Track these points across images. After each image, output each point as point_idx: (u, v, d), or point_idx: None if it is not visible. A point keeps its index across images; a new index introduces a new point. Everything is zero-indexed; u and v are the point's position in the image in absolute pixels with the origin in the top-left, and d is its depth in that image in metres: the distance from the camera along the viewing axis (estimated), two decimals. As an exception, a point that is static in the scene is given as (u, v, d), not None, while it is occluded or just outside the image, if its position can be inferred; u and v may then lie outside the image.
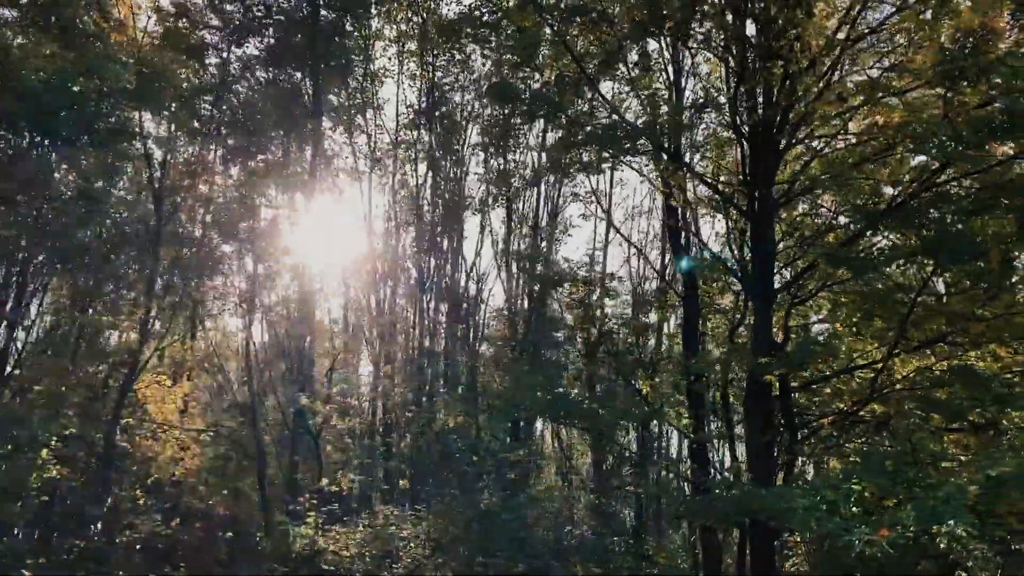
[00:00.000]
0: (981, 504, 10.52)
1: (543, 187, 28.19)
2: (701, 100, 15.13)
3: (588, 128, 14.01)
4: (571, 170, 20.29)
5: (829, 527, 10.67)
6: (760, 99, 14.26)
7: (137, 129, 22.18)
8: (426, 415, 17.10)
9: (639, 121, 16.48)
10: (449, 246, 29.53)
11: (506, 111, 21.08)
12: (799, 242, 15.46)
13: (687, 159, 18.30)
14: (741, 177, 15.72)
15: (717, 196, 17.98)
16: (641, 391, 17.34)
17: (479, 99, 26.54)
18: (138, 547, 15.90)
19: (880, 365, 14.92)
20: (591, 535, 15.15)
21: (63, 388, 22.47)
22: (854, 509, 11.70)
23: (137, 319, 23.18)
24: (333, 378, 20.37)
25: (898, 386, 15.18)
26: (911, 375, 14.63)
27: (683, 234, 18.83)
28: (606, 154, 15.01)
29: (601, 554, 13.86)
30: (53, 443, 21.80)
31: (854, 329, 16.61)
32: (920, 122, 11.91)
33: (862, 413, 15.84)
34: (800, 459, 17.20)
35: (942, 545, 9.65)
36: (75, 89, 13.43)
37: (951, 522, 9.58)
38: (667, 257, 24.21)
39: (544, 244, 28.25)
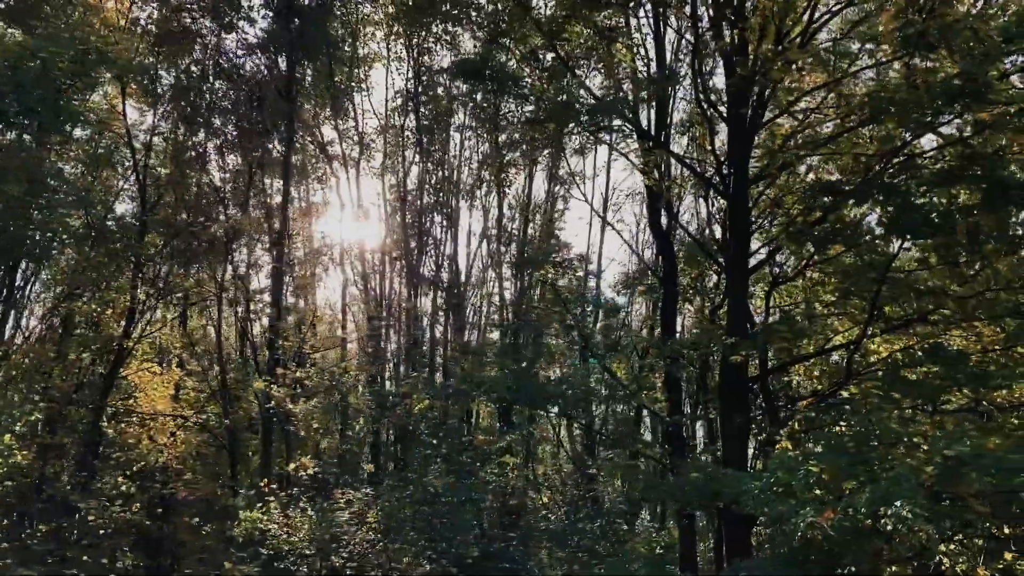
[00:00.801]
0: (939, 485, 10.19)
1: (536, 171, 27.91)
2: (665, 74, 14.69)
3: (550, 104, 13.63)
4: (539, 148, 19.94)
5: (779, 509, 10.39)
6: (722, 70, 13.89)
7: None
8: (395, 398, 16.90)
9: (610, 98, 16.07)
10: (444, 231, 29.36)
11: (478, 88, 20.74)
12: (770, 220, 15.07)
13: (663, 138, 18.01)
14: (711, 155, 15.37)
15: (692, 174, 17.67)
16: (614, 372, 17.03)
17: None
18: (106, 532, 15.79)
19: (854, 345, 14.60)
20: (566, 519, 14.92)
21: (47, 374, 22.64)
22: (817, 491, 11.42)
23: (124, 307, 23.17)
24: (305, 361, 20.15)
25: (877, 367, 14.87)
26: (886, 355, 14.24)
27: (662, 215, 18.46)
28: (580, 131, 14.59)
29: (569, 537, 13.59)
30: (40, 431, 22.11)
31: (831, 309, 16.22)
32: (885, 91, 11.49)
33: (844, 394, 15.52)
34: (780, 441, 16.86)
35: (888, 527, 9.23)
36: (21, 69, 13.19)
37: (897, 503, 9.25)
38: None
39: (537, 228, 28.00)
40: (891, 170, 12.00)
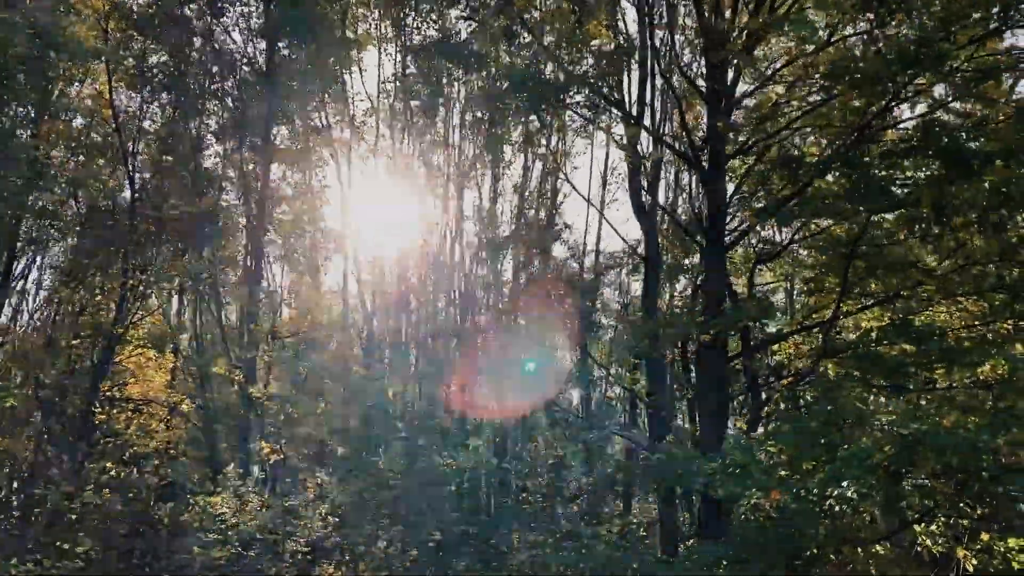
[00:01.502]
0: (896, 465, 9.94)
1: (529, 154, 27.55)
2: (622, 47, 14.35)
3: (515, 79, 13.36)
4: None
5: (732, 490, 10.19)
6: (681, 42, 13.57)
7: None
8: (367, 381, 16.78)
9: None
10: (444, 213, 29.18)
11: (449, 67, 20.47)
12: (749, 196, 14.75)
13: (642, 115, 17.70)
14: (682, 129, 15.05)
15: (670, 151, 17.33)
16: (591, 353, 16.82)
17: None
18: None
19: (828, 322, 14.29)
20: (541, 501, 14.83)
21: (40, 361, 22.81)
22: (783, 472, 11.19)
23: (115, 292, 23.25)
24: (285, 345, 20.06)
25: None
26: (859, 333, 13.93)
27: (643, 194, 18.17)
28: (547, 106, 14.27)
29: (541, 520, 13.47)
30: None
31: (811, 286, 15.89)
32: (846, 60, 11.16)
33: (831, 372, 15.23)
34: (763, 420, 16.61)
35: (836, 507, 9.02)
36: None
37: (844, 484, 9.03)
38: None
39: (533, 210, 27.76)
40: (851, 143, 11.65)
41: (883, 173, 11.09)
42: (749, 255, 17.62)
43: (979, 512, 11.01)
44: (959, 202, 11.10)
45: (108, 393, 23.44)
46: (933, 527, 13.20)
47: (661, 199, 22.62)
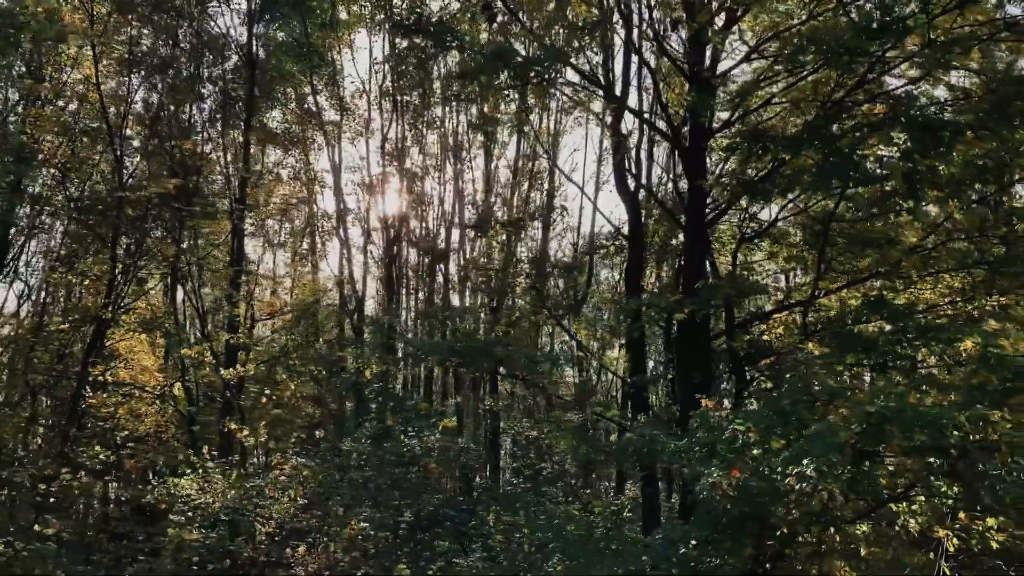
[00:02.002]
0: (862, 444, 9.78)
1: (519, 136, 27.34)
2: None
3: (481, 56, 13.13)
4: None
5: (696, 468, 10.08)
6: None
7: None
8: (337, 363, 16.73)
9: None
10: (436, 192, 29.10)
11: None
12: (719, 177, 14.57)
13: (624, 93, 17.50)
14: (656, 106, 14.85)
15: (651, 129, 17.13)
16: (574, 334, 16.69)
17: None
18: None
19: (808, 301, 14.13)
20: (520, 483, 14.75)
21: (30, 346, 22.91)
22: (756, 451, 11.05)
23: (104, 276, 23.28)
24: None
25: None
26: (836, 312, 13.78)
27: (625, 173, 17.99)
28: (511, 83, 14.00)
29: (513, 502, 13.39)
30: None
31: (790, 264, 15.75)
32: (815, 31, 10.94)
33: (815, 352, 15.07)
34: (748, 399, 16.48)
35: (796, 486, 8.87)
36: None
37: (804, 462, 8.89)
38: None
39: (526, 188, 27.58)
40: (824, 116, 11.44)
41: (855, 147, 10.87)
42: (735, 233, 17.45)
43: (952, 490, 10.86)
44: (931, 176, 10.89)
45: (100, 377, 23.53)
46: (915, 507, 13.14)
47: (655, 178, 22.52)
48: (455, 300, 26.25)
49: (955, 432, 9.02)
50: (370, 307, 27.95)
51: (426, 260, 27.73)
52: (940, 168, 11.13)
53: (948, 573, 13.86)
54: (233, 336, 19.05)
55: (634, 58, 16.74)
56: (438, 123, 28.62)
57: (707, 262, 17.18)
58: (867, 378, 15.33)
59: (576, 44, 13.63)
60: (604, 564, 11.44)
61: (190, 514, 12.39)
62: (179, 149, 21.41)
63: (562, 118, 27.56)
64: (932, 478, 10.92)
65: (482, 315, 22.55)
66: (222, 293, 21.46)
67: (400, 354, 16.23)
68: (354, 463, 12.86)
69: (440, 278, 27.86)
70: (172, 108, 22.64)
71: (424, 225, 28.54)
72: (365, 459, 12.83)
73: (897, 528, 13.51)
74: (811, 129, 11.34)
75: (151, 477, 15.02)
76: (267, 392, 17.64)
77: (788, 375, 12.42)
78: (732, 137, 14.14)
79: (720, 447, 10.42)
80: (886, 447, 10.16)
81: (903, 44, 10.17)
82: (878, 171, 11.02)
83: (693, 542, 11.13)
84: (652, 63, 15.74)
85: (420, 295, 28.25)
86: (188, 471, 13.51)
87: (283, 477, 12.99)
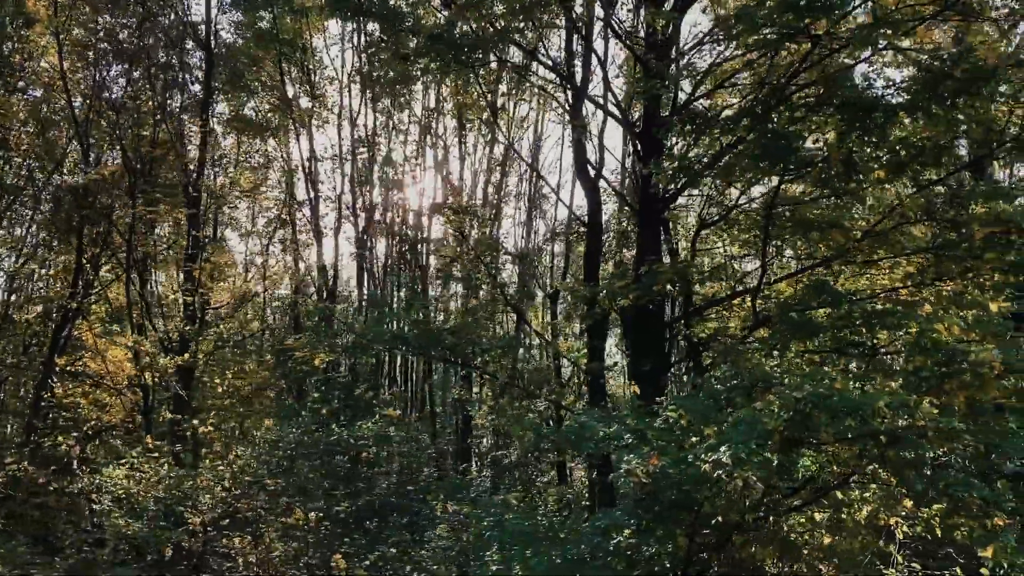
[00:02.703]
0: (790, 431, 9.62)
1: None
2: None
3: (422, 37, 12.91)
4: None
5: (623, 456, 9.92)
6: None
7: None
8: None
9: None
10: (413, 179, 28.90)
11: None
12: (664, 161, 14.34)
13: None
14: (606, 90, 14.66)
15: (606, 114, 16.92)
16: (529, 321, 16.53)
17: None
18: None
19: (756, 288, 13.95)
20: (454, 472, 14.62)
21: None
22: (694, 439, 10.90)
23: (71, 268, 23.09)
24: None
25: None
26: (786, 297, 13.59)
27: (585, 159, 17.79)
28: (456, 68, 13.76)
29: (455, 490, 13.26)
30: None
31: (745, 250, 15.57)
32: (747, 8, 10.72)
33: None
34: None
35: (713, 474, 8.72)
36: None
37: (722, 449, 8.73)
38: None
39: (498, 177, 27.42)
40: (761, 98, 11.24)
41: (791, 129, 10.67)
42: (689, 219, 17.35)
43: (886, 478, 10.73)
44: (868, 158, 10.70)
45: (68, 369, 23.39)
46: (868, 495, 13.02)
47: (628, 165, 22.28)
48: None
49: (878, 419, 8.88)
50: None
51: (403, 248, 27.60)
52: (879, 151, 10.95)
53: (901, 560, 13.77)
54: (175, 326, 18.92)
55: (601, 44, 16.53)
56: (414, 110, 28.45)
57: (667, 248, 17.04)
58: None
59: (518, 24, 13.36)
60: (544, 554, 11.34)
61: (110, 504, 12.25)
62: (132, 133, 21.19)
63: (538, 108, 27.39)
64: (868, 465, 10.87)
65: (453, 304, 22.47)
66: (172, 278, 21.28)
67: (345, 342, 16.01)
68: (284, 452, 12.71)
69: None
70: (127, 94, 22.35)
71: (401, 213, 28.43)
72: (294, 448, 12.69)
73: (843, 516, 13.46)
74: (747, 111, 11.13)
75: (75, 466, 14.83)
76: (217, 380, 17.52)
77: (722, 362, 12.26)
78: (682, 124, 13.90)
79: (651, 434, 10.27)
80: (820, 434, 10.06)
81: (839, 24, 9.94)
82: (816, 153, 10.80)
83: (627, 531, 11.05)
84: (589, 45, 15.50)
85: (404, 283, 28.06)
86: (122, 460, 13.38)
87: (221, 467, 12.85)
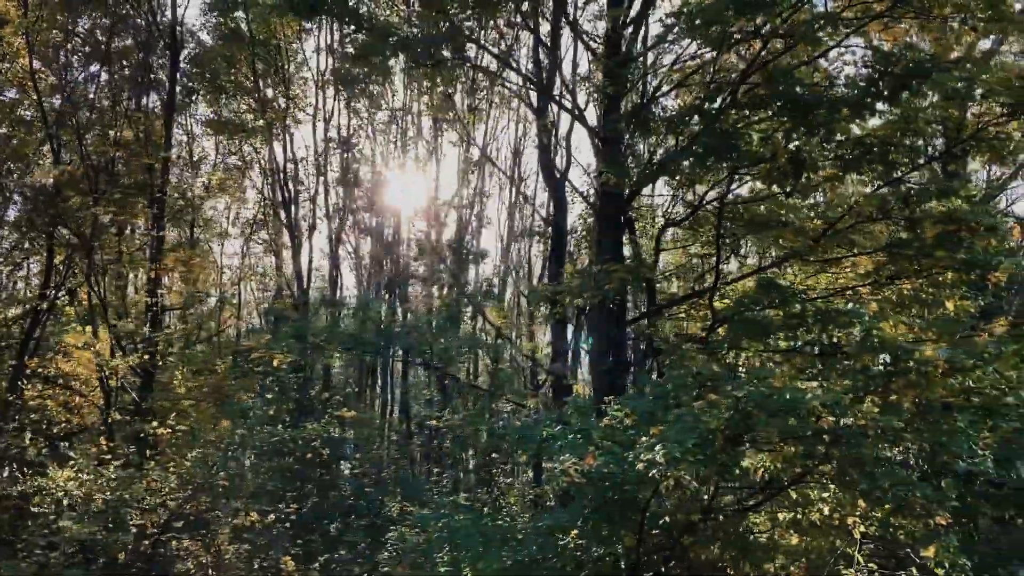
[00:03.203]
0: (731, 431, 9.54)
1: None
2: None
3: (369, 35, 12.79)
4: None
5: (559, 457, 9.85)
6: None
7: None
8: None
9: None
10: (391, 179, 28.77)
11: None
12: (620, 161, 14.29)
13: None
14: (564, 89, 14.61)
15: (567, 113, 16.85)
16: (491, 321, 16.46)
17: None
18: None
19: (712, 288, 13.89)
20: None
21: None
22: (644, 439, 10.82)
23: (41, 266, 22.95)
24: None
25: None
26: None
27: (550, 159, 17.77)
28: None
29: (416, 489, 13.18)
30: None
31: (705, 250, 15.51)
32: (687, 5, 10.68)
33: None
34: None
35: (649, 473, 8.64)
36: None
37: (656, 448, 8.65)
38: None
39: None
40: (706, 95, 11.17)
41: (737, 126, 10.61)
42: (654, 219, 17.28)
43: (831, 476, 10.65)
44: (817, 155, 10.64)
45: (39, 370, 23.23)
46: (826, 494, 12.95)
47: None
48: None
49: (812, 418, 8.81)
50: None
51: (379, 248, 27.51)
52: (826, 148, 10.90)
53: (861, 561, 13.70)
54: (133, 327, 18.82)
55: (570, 46, 16.51)
56: (392, 111, 28.35)
57: (632, 247, 16.97)
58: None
59: (470, 23, 13.28)
60: (492, 555, 11.26)
61: (50, 507, 12.11)
62: (95, 133, 21.09)
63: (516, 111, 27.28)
64: (818, 465, 10.80)
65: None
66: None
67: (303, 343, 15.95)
68: (229, 453, 12.59)
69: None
70: (89, 93, 22.25)
71: (377, 213, 28.29)
72: (236, 449, 12.57)
73: (799, 516, 13.39)
74: (694, 108, 11.07)
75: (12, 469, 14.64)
76: (176, 381, 17.42)
77: (667, 361, 12.21)
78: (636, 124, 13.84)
79: (596, 434, 10.19)
80: (764, 434, 9.99)
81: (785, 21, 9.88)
82: (763, 151, 10.74)
83: (574, 532, 10.97)
84: (537, 38, 15.45)
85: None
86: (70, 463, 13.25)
87: (172, 468, 12.71)
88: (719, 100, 11.07)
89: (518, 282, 21.96)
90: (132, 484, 11.96)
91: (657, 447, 8.58)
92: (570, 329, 17.71)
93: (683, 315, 16.92)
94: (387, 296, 23.79)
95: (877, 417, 9.07)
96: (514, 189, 27.70)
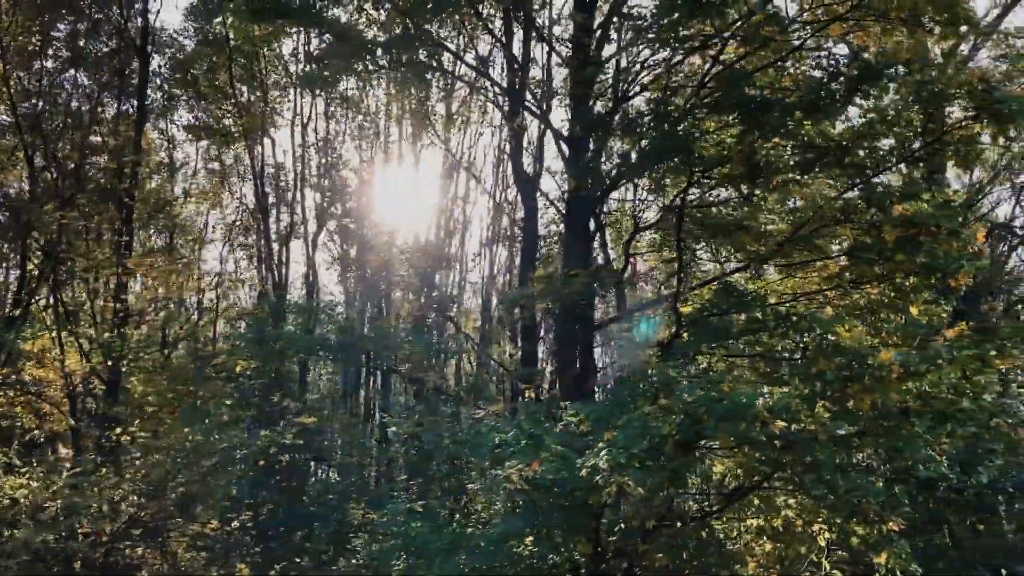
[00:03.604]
0: (681, 436, 9.44)
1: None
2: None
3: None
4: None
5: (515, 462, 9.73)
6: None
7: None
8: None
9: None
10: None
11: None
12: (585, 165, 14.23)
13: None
14: (528, 93, 14.56)
15: (535, 118, 16.79)
16: (459, 325, 16.37)
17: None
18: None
19: (674, 295, 13.82)
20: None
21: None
22: (592, 440, 10.73)
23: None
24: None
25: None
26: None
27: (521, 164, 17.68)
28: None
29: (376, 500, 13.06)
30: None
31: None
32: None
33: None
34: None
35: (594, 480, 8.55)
36: None
37: (601, 454, 8.56)
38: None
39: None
40: (662, 98, 11.11)
41: (692, 131, 10.53)
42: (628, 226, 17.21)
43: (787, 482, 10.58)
44: (770, 159, 10.57)
45: (13, 377, 23.03)
46: (792, 501, 12.86)
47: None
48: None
49: (759, 423, 8.71)
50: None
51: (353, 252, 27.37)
52: (783, 152, 10.84)
53: (827, 567, 13.60)
54: (94, 333, 18.68)
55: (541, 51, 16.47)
56: (370, 116, 28.26)
57: (602, 252, 16.94)
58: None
59: (430, 27, 13.20)
60: (448, 564, 11.14)
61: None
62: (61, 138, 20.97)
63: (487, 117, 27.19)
64: (771, 472, 10.71)
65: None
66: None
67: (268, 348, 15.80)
68: (182, 460, 12.44)
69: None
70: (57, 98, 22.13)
71: (355, 218, 28.16)
72: (187, 455, 12.41)
73: (763, 523, 13.31)
74: (650, 112, 11.01)
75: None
76: (140, 387, 17.28)
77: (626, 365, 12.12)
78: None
79: (549, 439, 10.07)
80: (716, 439, 9.90)
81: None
82: (720, 154, 10.67)
83: (530, 539, 10.86)
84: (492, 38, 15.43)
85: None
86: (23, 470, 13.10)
87: (128, 475, 12.55)
88: (682, 104, 11.00)
89: (491, 287, 21.84)
90: (85, 492, 11.80)
91: (602, 453, 8.48)
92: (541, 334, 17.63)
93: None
94: (367, 302, 23.66)
95: (827, 422, 8.98)
96: (487, 195, 27.80)
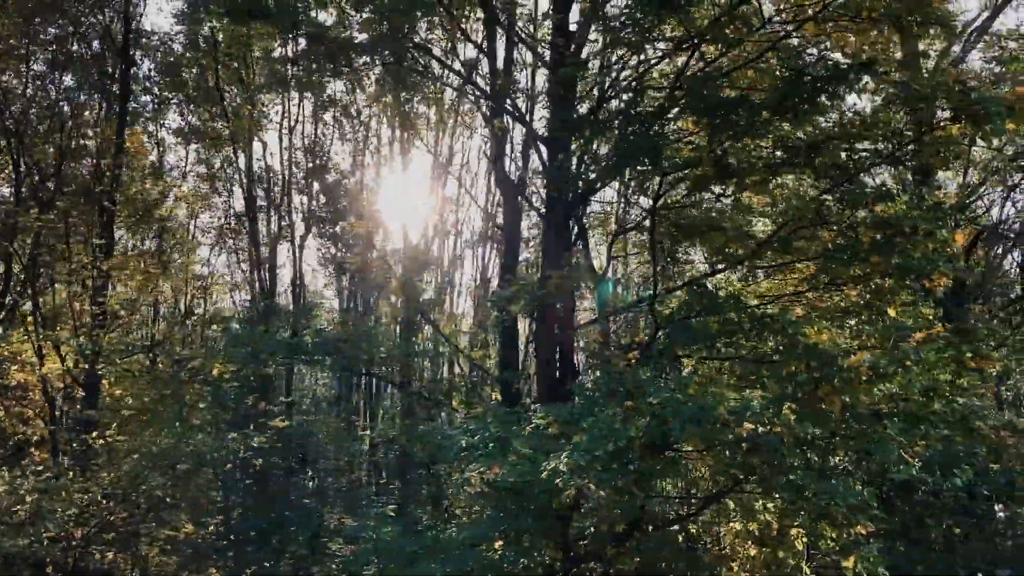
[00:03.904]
0: (649, 439, 9.36)
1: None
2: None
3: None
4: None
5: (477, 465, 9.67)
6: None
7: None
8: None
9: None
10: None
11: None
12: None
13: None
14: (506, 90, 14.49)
15: (514, 119, 16.72)
16: (439, 329, 16.28)
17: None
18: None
19: (651, 297, 13.75)
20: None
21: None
22: (563, 444, 10.65)
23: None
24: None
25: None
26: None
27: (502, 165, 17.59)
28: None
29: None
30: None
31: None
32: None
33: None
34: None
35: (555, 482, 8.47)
36: None
37: (563, 457, 8.49)
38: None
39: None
40: (630, 98, 11.06)
41: (660, 131, 10.47)
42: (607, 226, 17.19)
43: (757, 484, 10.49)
44: (740, 159, 10.50)
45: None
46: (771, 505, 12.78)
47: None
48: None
49: (718, 424, 8.63)
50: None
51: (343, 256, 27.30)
52: (752, 152, 10.78)
53: (807, 571, 13.51)
54: (68, 336, 18.61)
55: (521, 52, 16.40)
56: (358, 119, 28.20)
57: (584, 253, 16.82)
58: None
59: (405, 27, 13.11)
60: (418, 568, 11.06)
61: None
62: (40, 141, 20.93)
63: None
64: (743, 475, 10.62)
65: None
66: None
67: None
68: (151, 463, 12.35)
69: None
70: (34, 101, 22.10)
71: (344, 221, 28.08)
72: (154, 459, 12.32)
73: (739, 526, 13.22)
74: (619, 113, 10.95)
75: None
76: (118, 392, 17.22)
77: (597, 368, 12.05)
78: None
79: (516, 442, 9.99)
80: (685, 442, 9.81)
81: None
82: (689, 154, 10.61)
83: (499, 543, 10.78)
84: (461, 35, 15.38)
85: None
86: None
87: (101, 476, 12.47)
88: (653, 105, 10.95)
89: (480, 290, 21.81)
90: (52, 496, 11.72)
91: (563, 456, 8.40)
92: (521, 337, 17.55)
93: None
94: (352, 304, 23.64)
95: (793, 424, 8.91)
96: (468, 198, 27.79)
